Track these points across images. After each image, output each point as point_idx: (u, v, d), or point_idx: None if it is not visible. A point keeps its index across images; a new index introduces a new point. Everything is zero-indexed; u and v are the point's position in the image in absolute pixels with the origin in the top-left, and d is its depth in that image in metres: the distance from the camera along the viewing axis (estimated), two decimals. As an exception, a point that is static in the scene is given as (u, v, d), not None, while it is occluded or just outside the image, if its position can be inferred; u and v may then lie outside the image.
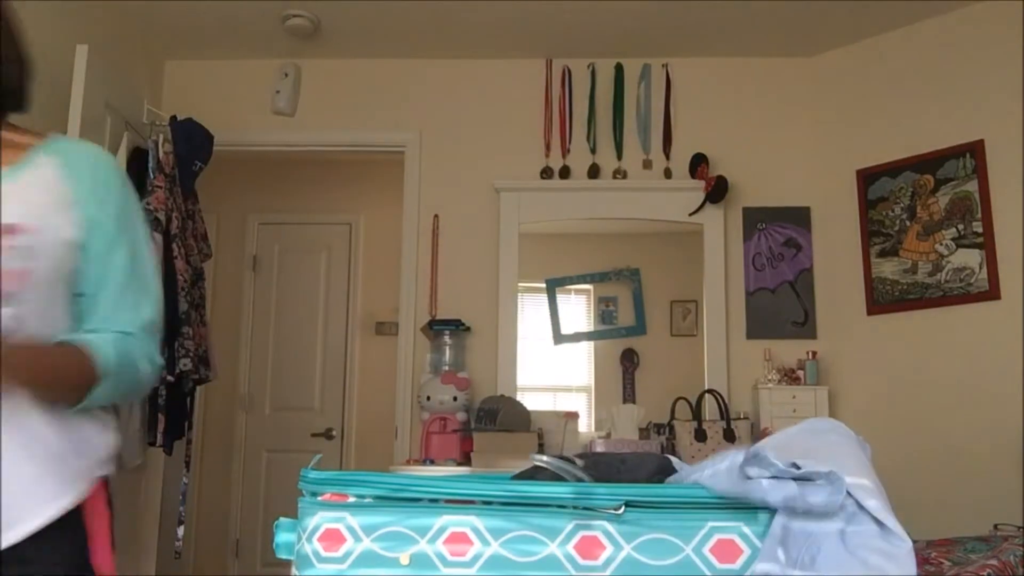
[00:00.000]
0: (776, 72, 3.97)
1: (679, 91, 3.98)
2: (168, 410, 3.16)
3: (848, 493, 0.88)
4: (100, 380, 1.20)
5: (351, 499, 0.94)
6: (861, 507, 0.87)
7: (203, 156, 3.45)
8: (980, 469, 3.22)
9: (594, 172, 3.90)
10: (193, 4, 3.55)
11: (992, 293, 3.29)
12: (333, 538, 0.91)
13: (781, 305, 3.77)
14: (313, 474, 0.95)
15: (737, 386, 3.70)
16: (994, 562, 2.09)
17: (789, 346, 3.72)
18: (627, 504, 0.88)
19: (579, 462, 1.01)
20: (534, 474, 1.05)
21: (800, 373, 3.61)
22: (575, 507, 0.88)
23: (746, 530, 0.89)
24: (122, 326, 1.27)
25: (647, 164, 3.91)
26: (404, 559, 0.89)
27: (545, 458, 0.99)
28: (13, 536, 1.14)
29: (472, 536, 0.89)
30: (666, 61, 3.99)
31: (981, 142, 3.38)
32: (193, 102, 3.92)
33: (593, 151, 3.93)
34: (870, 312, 3.62)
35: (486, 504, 0.91)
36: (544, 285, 3.91)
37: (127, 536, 3.39)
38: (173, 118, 3.42)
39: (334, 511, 0.92)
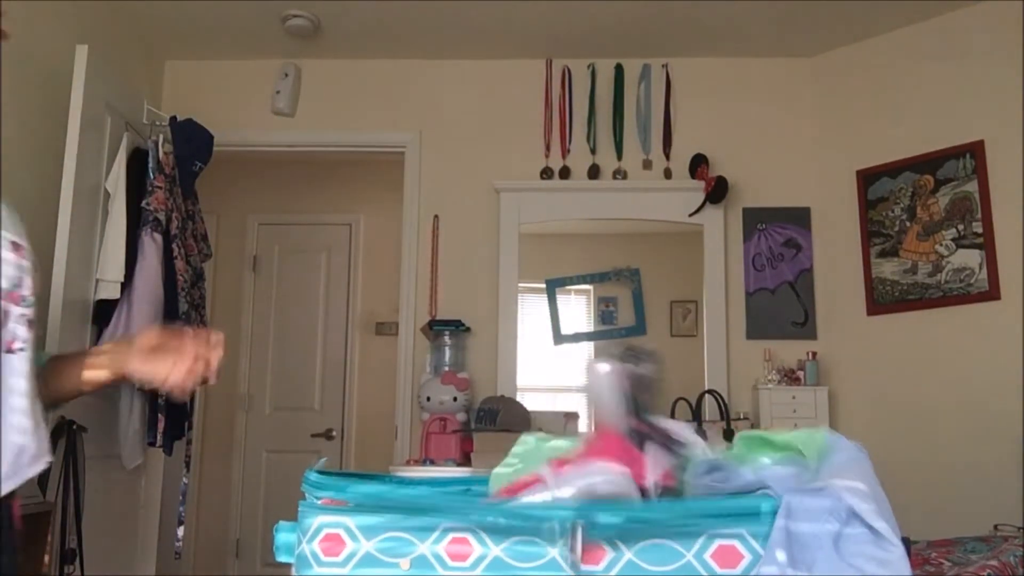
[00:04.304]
0: (776, 72, 3.97)
1: (679, 91, 3.98)
2: (168, 410, 3.16)
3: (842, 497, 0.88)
4: None
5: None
6: (855, 511, 0.88)
7: (203, 156, 3.45)
8: (980, 469, 3.22)
9: (594, 172, 3.89)
10: (193, 4, 3.54)
11: (992, 293, 3.29)
12: (333, 541, 0.91)
13: (781, 305, 3.77)
14: (315, 476, 0.95)
15: (737, 386, 3.70)
16: (994, 563, 2.08)
17: (789, 346, 3.71)
18: (627, 524, 0.88)
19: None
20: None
21: (800, 373, 3.60)
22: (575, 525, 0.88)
23: (747, 536, 0.89)
24: None
25: (647, 164, 3.91)
26: (404, 564, 0.89)
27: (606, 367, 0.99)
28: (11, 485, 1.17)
29: (473, 540, 0.89)
30: (666, 61, 3.99)
31: (981, 142, 3.38)
32: (193, 102, 3.92)
33: (593, 151, 3.93)
34: (870, 312, 3.62)
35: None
36: (544, 285, 3.91)
37: (127, 536, 3.38)
38: (173, 118, 3.41)
39: (334, 515, 0.92)
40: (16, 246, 1.26)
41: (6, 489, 1.18)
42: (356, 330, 5.13)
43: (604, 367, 1.00)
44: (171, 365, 1.27)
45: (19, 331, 1.22)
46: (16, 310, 1.23)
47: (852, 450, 0.98)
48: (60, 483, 2.67)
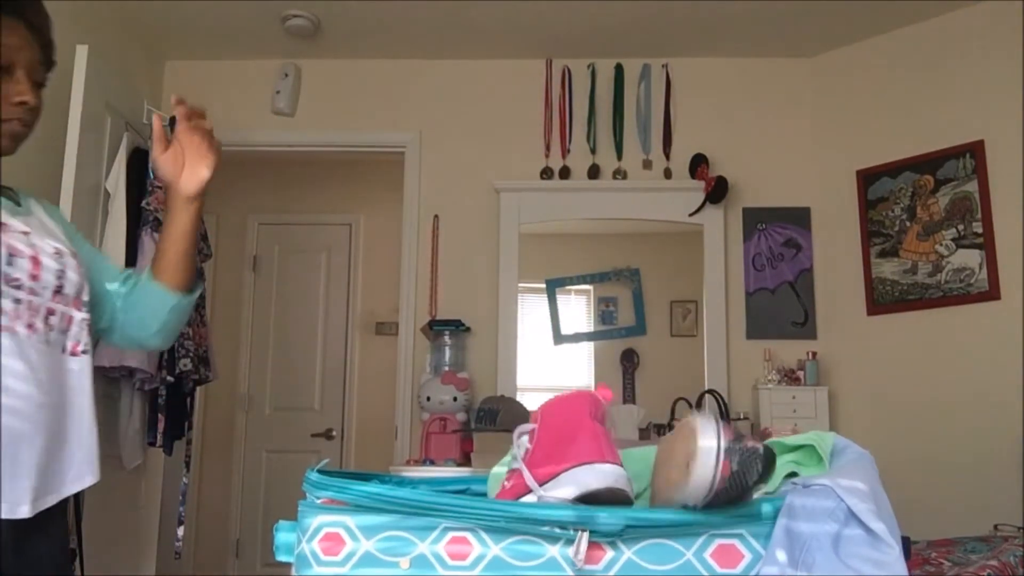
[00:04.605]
0: (776, 72, 3.97)
1: (679, 91, 3.98)
2: (168, 410, 3.16)
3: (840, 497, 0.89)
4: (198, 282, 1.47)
5: (351, 502, 0.93)
6: (853, 511, 0.88)
7: (203, 156, 3.44)
8: (980, 469, 3.22)
9: (594, 172, 3.89)
10: (193, 4, 3.54)
11: (992, 293, 3.29)
12: (333, 540, 0.91)
13: (781, 305, 3.77)
14: (315, 476, 0.95)
15: (737, 386, 3.70)
16: (994, 563, 2.08)
17: (789, 346, 3.71)
18: (628, 527, 0.87)
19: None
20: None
21: (800, 373, 3.60)
22: (575, 529, 0.88)
23: (748, 536, 0.89)
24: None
25: (647, 164, 3.91)
26: (404, 563, 0.89)
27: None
28: (66, 491, 1.21)
29: (472, 539, 0.89)
30: (666, 61, 3.99)
31: (981, 142, 3.38)
32: (193, 102, 3.91)
33: (593, 151, 3.93)
34: (870, 312, 3.62)
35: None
36: (544, 285, 3.91)
37: (127, 536, 3.38)
38: (173, 118, 3.40)
39: (333, 514, 0.92)
40: (74, 254, 1.29)
41: (63, 496, 1.21)
42: (356, 330, 5.13)
43: (707, 449, 0.84)
44: (205, 152, 1.42)
45: (83, 336, 1.26)
46: (78, 315, 1.26)
47: (859, 452, 0.99)
48: (60, 483, 2.66)
